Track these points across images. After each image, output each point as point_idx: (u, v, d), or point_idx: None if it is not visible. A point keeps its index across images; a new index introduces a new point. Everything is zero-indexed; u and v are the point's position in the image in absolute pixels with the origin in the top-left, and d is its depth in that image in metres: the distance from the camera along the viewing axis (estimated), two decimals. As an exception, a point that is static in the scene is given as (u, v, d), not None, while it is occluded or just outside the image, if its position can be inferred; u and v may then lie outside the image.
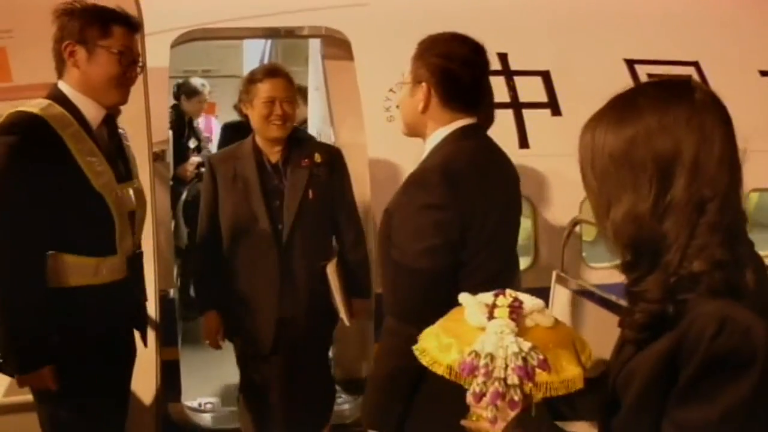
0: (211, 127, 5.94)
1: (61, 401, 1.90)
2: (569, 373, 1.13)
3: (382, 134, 3.32)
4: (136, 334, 2.14)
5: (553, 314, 1.22)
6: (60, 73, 1.94)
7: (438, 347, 1.18)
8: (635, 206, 0.98)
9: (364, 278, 2.58)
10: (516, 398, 1.09)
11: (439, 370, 1.16)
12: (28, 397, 2.05)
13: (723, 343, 0.91)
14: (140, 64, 1.98)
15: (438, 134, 1.71)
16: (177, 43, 3.23)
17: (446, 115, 1.70)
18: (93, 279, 1.89)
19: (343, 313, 2.47)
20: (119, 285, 1.97)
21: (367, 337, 3.39)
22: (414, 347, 1.23)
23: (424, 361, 1.20)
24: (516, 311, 1.16)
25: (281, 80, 2.40)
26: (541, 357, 1.11)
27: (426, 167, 1.68)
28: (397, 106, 1.86)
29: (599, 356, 1.25)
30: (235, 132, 3.94)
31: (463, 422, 1.22)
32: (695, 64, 3.93)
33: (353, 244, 2.55)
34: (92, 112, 1.93)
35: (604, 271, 3.38)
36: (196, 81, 4.84)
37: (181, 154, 4.57)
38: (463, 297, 1.25)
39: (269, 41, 5.13)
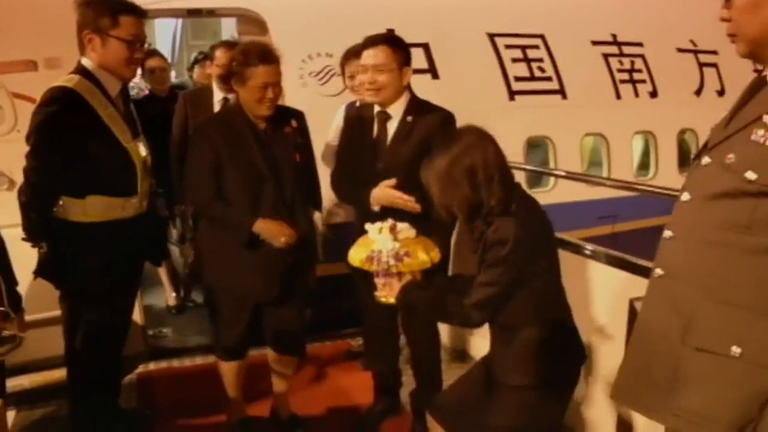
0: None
1: (89, 307, 2.41)
2: (422, 259, 2.07)
3: (296, 98, 4.04)
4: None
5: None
6: (82, 52, 2.37)
7: (356, 253, 2.10)
8: (464, 194, 1.89)
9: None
10: (394, 271, 2.03)
11: (357, 264, 2.08)
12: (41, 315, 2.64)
13: (496, 234, 1.85)
14: (146, 44, 2.46)
15: (405, 95, 2.69)
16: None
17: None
18: (121, 214, 2.43)
19: (320, 250, 3.02)
20: (138, 218, 2.49)
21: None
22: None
23: (352, 263, 2.11)
24: (392, 229, 2.08)
25: (275, 67, 2.51)
26: (405, 250, 2.04)
27: (444, 112, 2.68)
28: (378, 88, 2.62)
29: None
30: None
31: (375, 293, 2.11)
32: (542, 37, 4.94)
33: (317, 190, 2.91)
34: (111, 84, 2.39)
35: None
36: None
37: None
38: (368, 225, 2.14)
39: (179, 20, 5.65)
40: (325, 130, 3.91)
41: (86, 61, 2.37)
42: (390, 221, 2.12)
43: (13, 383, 2.90)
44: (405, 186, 2.54)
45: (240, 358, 2.80)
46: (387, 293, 2.07)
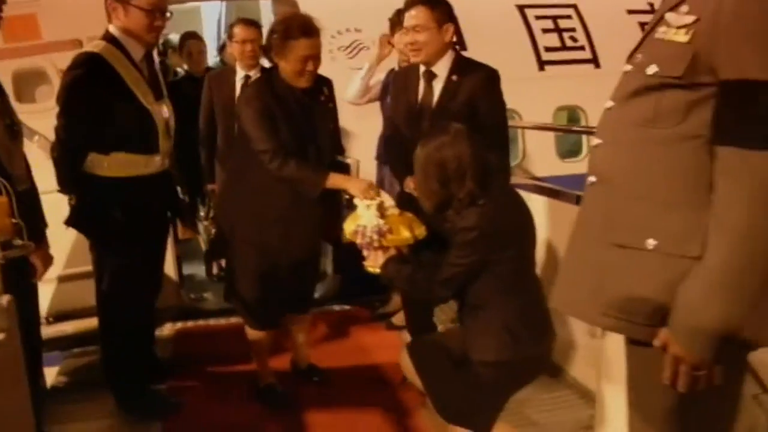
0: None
1: (117, 259, 2.61)
2: (404, 236, 2.24)
3: (326, 71, 4.18)
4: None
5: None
6: (109, 20, 2.57)
7: (347, 226, 2.30)
8: (433, 188, 2.09)
9: None
10: (376, 245, 2.20)
11: (347, 236, 2.29)
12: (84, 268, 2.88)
13: (463, 222, 2.03)
14: (168, 13, 2.59)
15: (449, 54, 2.75)
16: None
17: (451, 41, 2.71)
18: (144, 170, 2.62)
19: None
20: (161, 175, 2.70)
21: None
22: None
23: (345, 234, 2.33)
24: (380, 206, 2.26)
25: (315, 39, 2.53)
26: (388, 226, 2.22)
27: (489, 69, 2.78)
28: (419, 48, 2.69)
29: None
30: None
31: (363, 263, 2.28)
32: (574, 6, 4.91)
33: None
34: (135, 50, 2.56)
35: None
36: (174, 36, 5.58)
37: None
38: (356, 201, 2.32)
39: (224, 4, 5.90)
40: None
41: (112, 28, 2.56)
42: (379, 199, 2.29)
43: (56, 329, 3.19)
44: None
45: (272, 327, 2.85)
46: (372, 264, 2.25)
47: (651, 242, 1.28)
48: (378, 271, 2.23)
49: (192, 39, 4.69)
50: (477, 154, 2.07)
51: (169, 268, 3.45)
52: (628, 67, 1.38)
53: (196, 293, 4.40)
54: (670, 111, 1.27)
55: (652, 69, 1.29)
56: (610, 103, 1.42)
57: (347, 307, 4.06)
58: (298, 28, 2.49)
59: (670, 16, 1.29)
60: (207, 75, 4.18)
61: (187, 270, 4.50)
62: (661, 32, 1.29)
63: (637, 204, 1.31)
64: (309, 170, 2.55)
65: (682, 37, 1.24)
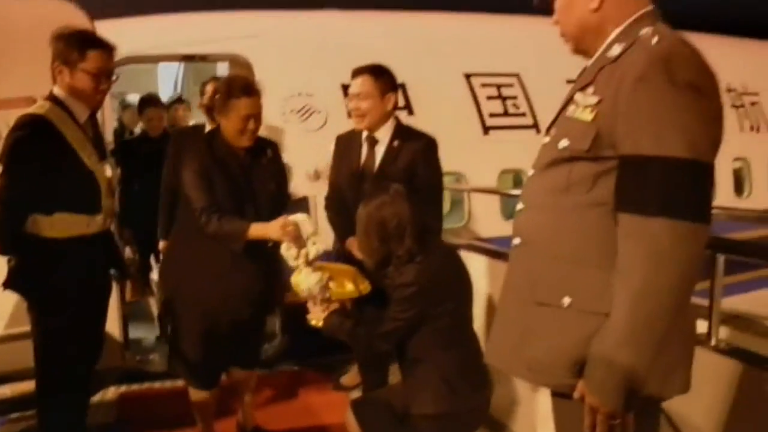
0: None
1: (56, 320, 2.54)
2: (348, 289, 2.31)
3: (276, 133, 4.30)
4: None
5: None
6: (54, 81, 2.53)
7: (296, 281, 2.33)
8: (374, 247, 2.23)
9: None
10: (321, 298, 2.26)
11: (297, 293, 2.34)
12: (25, 328, 2.83)
13: (402, 278, 2.14)
14: (114, 77, 2.59)
15: (391, 121, 2.97)
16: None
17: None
18: (86, 230, 2.59)
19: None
20: (102, 235, 2.67)
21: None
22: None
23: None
24: (305, 258, 2.32)
25: (256, 99, 2.61)
26: (329, 275, 2.28)
27: (428, 137, 3.03)
28: (362, 114, 2.87)
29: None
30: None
31: (308, 317, 2.33)
32: (516, 76, 5.18)
33: None
34: (79, 111, 2.54)
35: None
36: (132, 97, 5.61)
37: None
38: (283, 250, 2.37)
39: (181, 65, 6.02)
40: (306, 160, 4.26)
41: (57, 90, 2.56)
42: (304, 250, 2.33)
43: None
44: None
45: (215, 387, 2.84)
46: (316, 317, 2.29)
47: (566, 300, 1.39)
48: (321, 324, 2.27)
49: (152, 107, 4.75)
50: (415, 214, 2.18)
51: (114, 329, 3.41)
52: (546, 140, 1.52)
53: (143, 355, 4.33)
54: (580, 180, 1.40)
55: (563, 143, 1.43)
56: (531, 171, 1.55)
57: (295, 368, 4.05)
58: (240, 88, 2.60)
59: (578, 96, 1.44)
60: (173, 132, 4.22)
61: (136, 332, 4.43)
62: (571, 110, 1.44)
63: (554, 264, 1.42)
64: (231, 224, 2.57)
65: (588, 115, 1.38)
